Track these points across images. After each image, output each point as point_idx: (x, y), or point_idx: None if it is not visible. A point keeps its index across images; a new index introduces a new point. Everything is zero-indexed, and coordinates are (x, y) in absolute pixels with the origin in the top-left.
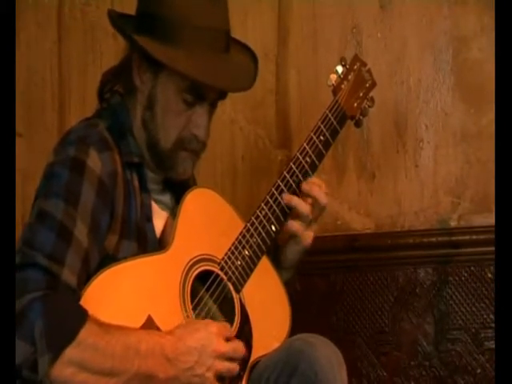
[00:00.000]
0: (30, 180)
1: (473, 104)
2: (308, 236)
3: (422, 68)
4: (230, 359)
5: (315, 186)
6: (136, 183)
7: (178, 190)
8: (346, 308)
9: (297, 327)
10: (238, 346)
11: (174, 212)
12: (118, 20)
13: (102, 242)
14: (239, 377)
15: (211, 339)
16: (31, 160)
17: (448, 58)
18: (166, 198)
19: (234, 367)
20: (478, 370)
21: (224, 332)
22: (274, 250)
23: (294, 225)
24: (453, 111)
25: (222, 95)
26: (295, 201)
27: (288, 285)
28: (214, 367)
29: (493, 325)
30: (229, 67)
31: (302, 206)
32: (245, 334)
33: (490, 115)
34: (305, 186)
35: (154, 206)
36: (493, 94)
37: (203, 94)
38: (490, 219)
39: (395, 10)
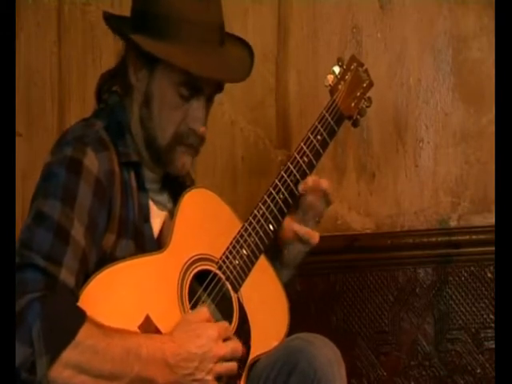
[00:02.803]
0: (29, 180)
1: (473, 104)
2: (316, 235)
3: (422, 68)
4: (229, 359)
5: (312, 184)
6: (133, 183)
7: (175, 189)
8: (345, 308)
9: (296, 327)
10: (237, 346)
11: (171, 212)
12: (113, 21)
13: (99, 241)
14: (238, 376)
15: (211, 345)
16: (31, 160)
17: (448, 58)
18: (164, 197)
19: (233, 366)
20: (478, 370)
21: (223, 334)
22: (276, 248)
23: (304, 229)
24: (453, 111)
25: (219, 88)
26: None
27: (288, 285)
28: (214, 370)
29: (493, 325)
30: (224, 59)
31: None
32: (243, 333)
33: (490, 115)
34: (303, 188)
35: (152, 206)
36: (493, 94)
37: (199, 87)
38: (489, 219)
39: (395, 10)
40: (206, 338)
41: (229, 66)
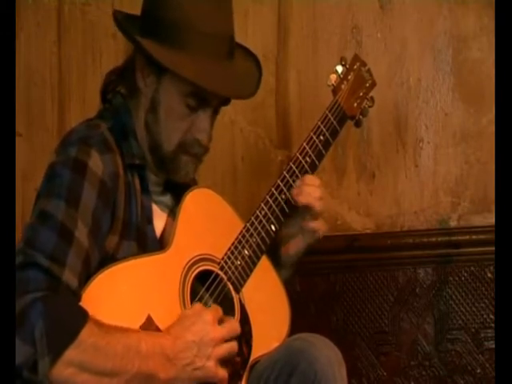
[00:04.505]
0: (29, 180)
1: (473, 104)
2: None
3: (422, 68)
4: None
5: (306, 187)
6: (137, 185)
7: (178, 190)
8: (345, 308)
9: (297, 327)
10: (233, 326)
11: (173, 212)
12: (122, 21)
13: (102, 242)
14: (239, 376)
15: (207, 329)
16: (31, 160)
17: (448, 58)
18: (167, 198)
19: (233, 346)
20: (478, 370)
21: (217, 316)
22: (274, 246)
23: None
24: (453, 111)
25: (225, 101)
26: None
27: (288, 285)
28: (214, 354)
29: (493, 325)
30: (232, 74)
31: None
32: (244, 333)
33: (490, 115)
34: (295, 192)
35: (155, 208)
36: (493, 94)
37: (206, 99)
38: (489, 219)
39: (395, 9)
40: (201, 323)
41: (237, 82)
